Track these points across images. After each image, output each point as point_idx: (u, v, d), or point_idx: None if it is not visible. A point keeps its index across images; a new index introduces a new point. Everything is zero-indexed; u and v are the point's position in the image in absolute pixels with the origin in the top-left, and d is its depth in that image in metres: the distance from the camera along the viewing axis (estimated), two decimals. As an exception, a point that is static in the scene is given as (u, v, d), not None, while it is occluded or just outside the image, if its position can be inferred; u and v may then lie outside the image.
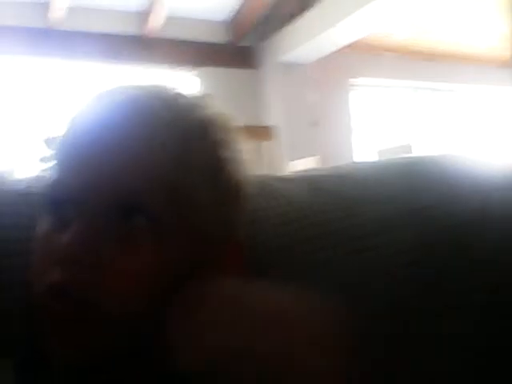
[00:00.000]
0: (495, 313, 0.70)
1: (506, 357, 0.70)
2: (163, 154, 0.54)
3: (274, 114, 5.21)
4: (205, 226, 0.56)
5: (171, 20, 4.98)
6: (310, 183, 0.73)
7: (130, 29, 5.02)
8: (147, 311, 0.52)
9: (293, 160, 4.24)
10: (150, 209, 0.52)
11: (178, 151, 0.55)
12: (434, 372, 0.67)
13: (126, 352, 0.53)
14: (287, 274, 0.65)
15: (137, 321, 0.52)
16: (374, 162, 0.83)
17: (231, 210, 0.59)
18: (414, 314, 0.68)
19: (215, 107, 0.60)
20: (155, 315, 0.52)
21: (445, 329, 0.68)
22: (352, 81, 5.84)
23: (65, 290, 0.50)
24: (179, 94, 0.59)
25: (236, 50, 5.41)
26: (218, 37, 5.36)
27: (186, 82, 5.23)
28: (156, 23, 4.91)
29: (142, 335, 0.53)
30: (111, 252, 0.51)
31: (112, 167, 0.53)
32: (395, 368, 0.66)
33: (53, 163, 0.57)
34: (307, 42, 4.90)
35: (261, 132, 4.47)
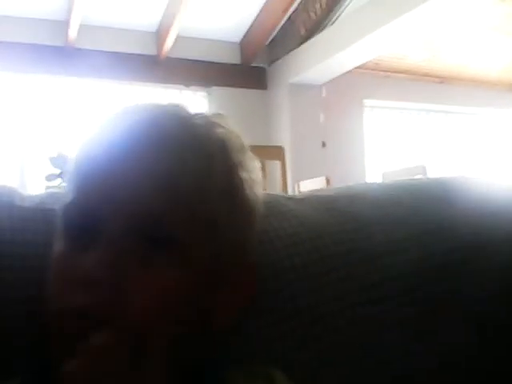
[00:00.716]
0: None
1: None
2: (186, 176, 0.53)
3: (284, 135, 5.22)
4: (223, 248, 0.56)
5: (183, 40, 5.02)
6: (322, 203, 0.74)
7: (143, 48, 5.06)
8: (169, 333, 0.52)
9: (301, 180, 4.24)
10: (174, 232, 0.52)
11: (200, 174, 0.54)
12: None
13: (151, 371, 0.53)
14: (299, 294, 0.65)
15: (159, 342, 0.52)
16: (384, 183, 0.83)
17: (247, 232, 0.59)
18: (418, 335, 0.68)
19: (231, 127, 0.60)
20: (177, 336, 0.52)
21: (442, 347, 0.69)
22: (363, 102, 5.86)
23: (88, 312, 0.49)
24: (197, 115, 0.59)
25: (247, 70, 5.45)
26: (230, 57, 5.39)
27: (197, 102, 5.26)
28: (168, 43, 4.95)
29: (165, 357, 0.53)
30: (134, 275, 0.51)
31: (136, 189, 0.52)
32: None
33: (70, 182, 0.56)
34: (318, 63, 4.93)
35: (270, 152, 4.48)
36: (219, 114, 0.61)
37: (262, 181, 0.62)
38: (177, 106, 0.60)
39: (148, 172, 0.53)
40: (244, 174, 0.58)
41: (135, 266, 0.51)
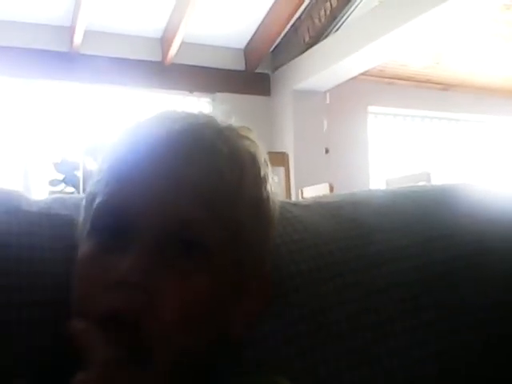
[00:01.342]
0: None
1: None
2: (220, 186, 0.54)
3: (287, 141, 5.23)
4: (246, 258, 0.57)
5: (188, 46, 5.04)
6: (327, 210, 0.74)
7: (147, 54, 5.08)
8: (199, 342, 0.53)
9: (304, 186, 4.25)
10: (207, 241, 0.53)
11: (233, 185, 0.55)
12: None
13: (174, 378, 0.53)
14: (304, 300, 0.65)
15: (189, 351, 0.52)
16: (388, 190, 0.83)
17: (267, 243, 0.60)
18: (421, 342, 0.69)
19: (255, 139, 0.61)
20: (206, 346, 0.54)
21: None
22: (367, 109, 5.86)
23: (122, 315, 0.49)
24: (228, 126, 0.60)
25: (251, 76, 5.46)
26: (234, 63, 5.41)
27: (202, 108, 5.27)
28: (173, 49, 4.97)
29: (193, 365, 0.54)
30: (169, 280, 0.51)
31: (170, 195, 0.53)
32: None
33: (101, 183, 0.56)
34: (322, 70, 4.94)
35: (274, 158, 4.49)
36: (245, 127, 0.62)
37: (278, 192, 0.63)
38: (209, 116, 0.61)
39: (183, 179, 0.53)
40: (268, 188, 0.59)
41: (168, 272, 0.51)
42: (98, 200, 0.55)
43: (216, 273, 0.53)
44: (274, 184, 0.62)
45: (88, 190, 0.58)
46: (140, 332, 0.50)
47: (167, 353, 0.51)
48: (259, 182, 0.58)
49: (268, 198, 0.59)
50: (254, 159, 0.58)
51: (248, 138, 0.60)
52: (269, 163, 0.61)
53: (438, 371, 0.68)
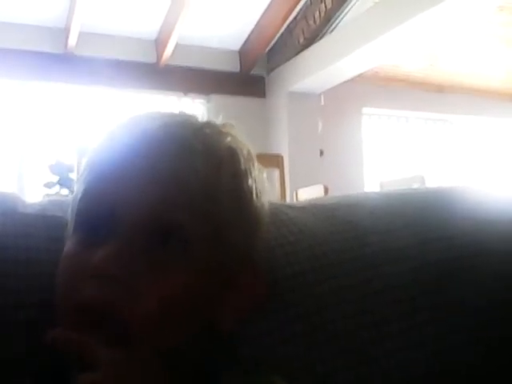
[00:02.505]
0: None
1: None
2: (198, 180, 0.55)
3: (282, 143, 5.24)
4: (229, 251, 0.57)
5: (183, 48, 5.05)
6: (322, 212, 0.74)
7: (142, 56, 5.08)
8: (178, 332, 0.54)
9: (299, 188, 4.25)
10: (185, 233, 0.54)
11: (209, 178, 0.56)
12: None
13: (156, 372, 0.53)
14: (300, 299, 0.65)
15: (168, 342, 0.53)
16: (383, 193, 0.84)
17: (253, 239, 0.61)
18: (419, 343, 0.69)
19: (240, 137, 0.62)
20: (186, 336, 0.54)
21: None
22: (361, 111, 5.88)
23: (97, 305, 0.50)
24: (208, 123, 0.61)
25: (246, 78, 5.47)
26: (229, 65, 5.42)
27: (196, 109, 5.27)
28: (168, 51, 4.97)
29: (172, 355, 0.54)
30: (143, 272, 0.52)
31: (147, 190, 0.54)
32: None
33: (81, 182, 0.58)
34: (317, 72, 4.95)
35: (268, 160, 4.49)
36: (229, 124, 0.63)
37: (267, 191, 0.63)
38: (188, 115, 0.62)
39: (159, 174, 0.55)
40: (251, 182, 0.60)
41: (144, 264, 0.52)
42: (78, 197, 0.57)
43: (196, 266, 0.54)
44: (262, 179, 0.62)
45: (74, 191, 0.60)
46: (116, 322, 0.50)
47: (145, 341, 0.51)
48: (239, 176, 0.59)
49: (251, 191, 0.59)
50: (233, 154, 0.59)
51: (229, 134, 0.61)
52: (254, 158, 0.62)
53: (438, 372, 0.68)
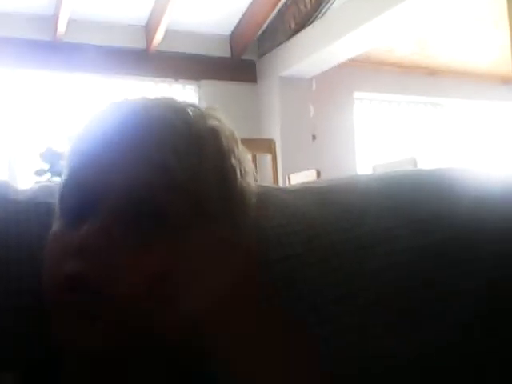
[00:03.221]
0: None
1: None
2: (178, 159, 0.56)
3: (274, 128, 5.23)
4: (215, 229, 0.58)
5: (173, 34, 5.01)
6: (314, 194, 0.74)
7: (132, 42, 5.05)
8: (159, 309, 0.54)
9: (291, 173, 4.25)
10: (169, 212, 0.54)
11: (192, 158, 0.57)
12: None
13: (139, 349, 0.54)
14: (293, 284, 0.66)
15: (149, 318, 0.53)
16: (375, 175, 0.84)
17: (240, 218, 0.61)
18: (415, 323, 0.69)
19: (221, 118, 0.62)
20: (167, 313, 0.54)
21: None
22: (353, 95, 5.87)
23: (80, 279, 0.51)
24: (188, 105, 0.61)
25: (237, 63, 5.44)
26: (220, 51, 5.39)
27: (187, 95, 5.25)
28: (158, 37, 4.94)
29: (154, 333, 0.54)
30: (126, 249, 0.53)
31: (128, 169, 0.55)
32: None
33: (66, 165, 0.58)
34: (308, 57, 4.93)
35: (260, 145, 4.49)
36: (212, 108, 0.63)
37: (253, 172, 0.63)
38: (171, 98, 0.63)
39: (140, 154, 0.55)
40: (234, 162, 0.60)
41: (126, 241, 0.53)
42: (62, 181, 0.58)
43: (177, 242, 0.54)
44: (247, 160, 0.63)
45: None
46: (96, 296, 0.51)
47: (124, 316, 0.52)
48: (222, 154, 0.59)
49: (234, 171, 0.60)
50: (215, 134, 0.60)
51: (212, 116, 0.61)
52: (238, 140, 0.62)
53: (435, 350, 0.69)
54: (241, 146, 0.62)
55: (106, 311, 0.51)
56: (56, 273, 0.53)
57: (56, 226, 0.57)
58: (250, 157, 0.64)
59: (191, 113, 0.60)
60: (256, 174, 0.65)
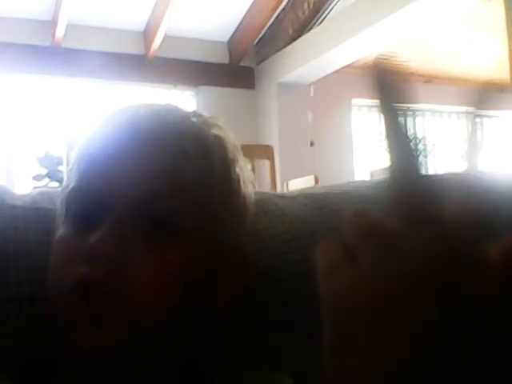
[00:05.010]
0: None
1: None
2: (186, 164, 0.56)
3: (272, 134, 5.23)
4: (220, 235, 0.58)
5: (171, 39, 5.02)
6: (312, 201, 0.74)
7: (130, 48, 5.05)
8: (169, 313, 0.54)
9: (289, 179, 4.26)
10: (174, 215, 0.55)
11: (199, 163, 0.57)
12: None
13: (149, 350, 0.54)
14: (291, 291, 0.65)
15: (159, 321, 0.53)
16: (373, 181, 0.84)
17: (242, 224, 0.62)
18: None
19: (223, 127, 0.63)
20: (176, 317, 0.55)
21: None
22: (350, 102, 5.88)
23: (92, 284, 0.51)
24: (192, 112, 0.62)
25: (235, 70, 5.45)
26: (218, 57, 5.39)
27: (185, 101, 5.26)
28: (156, 42, 4.94)
29: (163, 335, 0.55)
30: (138, 254, 0.53)
31: (139, 174, 0.55)
32: None
33: (73, 169, 0.58)
34: (306, 63, 4.94)
35: (259, 151, 4.49)
36: (214, 117, 0.64)
37: (253, 180, 0.64)
38: (174, 105, 0.63)
39: (151, 158, 0.56)
40: (238, 170, 0.61)
41: (137, 246, 0.53)
42: (70, 186, 0.57)
43: (186, 247, 0.55)
44: (248, 169, 0.63)
45: (64, 182, 0.61)
46: (110, 299, 0.51)
47: (137, 317, 0.52)
48: (228, 162, 0.60)
49: (238, 179, 0.61)
50: (220, 142, 0.60)
51: (216, 125, 0.62)
52: (240, 149, 0.63)
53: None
54: (242, 155, 0.63)
55: (118, 315, 0.51)
56: (66, 277, 0.52)
57: (62, 230, 0.57)
58: (250, 165, 0.65)
59: (196, 119, 0.61)
60: (254, 180, 0.66)
